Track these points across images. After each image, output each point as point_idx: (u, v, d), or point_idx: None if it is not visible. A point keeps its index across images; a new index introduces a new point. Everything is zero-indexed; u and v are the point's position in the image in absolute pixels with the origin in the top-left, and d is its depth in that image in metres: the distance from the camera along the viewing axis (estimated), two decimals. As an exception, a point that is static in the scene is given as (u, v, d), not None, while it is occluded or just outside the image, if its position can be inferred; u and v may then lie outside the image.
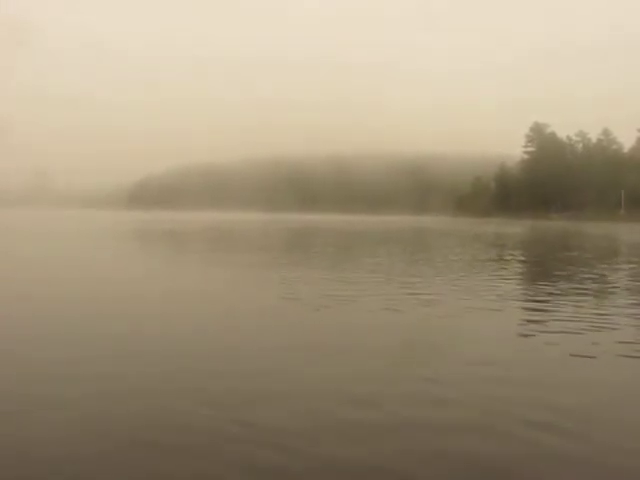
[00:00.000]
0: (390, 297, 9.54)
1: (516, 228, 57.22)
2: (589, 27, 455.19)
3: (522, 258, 20.20)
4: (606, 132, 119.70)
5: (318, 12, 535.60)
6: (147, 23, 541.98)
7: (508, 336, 6.91)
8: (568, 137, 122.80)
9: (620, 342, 6.46)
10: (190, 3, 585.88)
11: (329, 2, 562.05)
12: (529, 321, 7.90)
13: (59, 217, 73.74)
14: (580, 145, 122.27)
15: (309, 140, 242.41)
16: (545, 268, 17.01)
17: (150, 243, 27.24)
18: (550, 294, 10.58)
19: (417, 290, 10.51)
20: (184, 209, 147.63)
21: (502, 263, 17.36)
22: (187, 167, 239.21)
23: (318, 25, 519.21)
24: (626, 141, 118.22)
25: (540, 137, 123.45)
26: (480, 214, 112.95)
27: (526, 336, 6.90)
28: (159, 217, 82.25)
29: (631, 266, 16.80)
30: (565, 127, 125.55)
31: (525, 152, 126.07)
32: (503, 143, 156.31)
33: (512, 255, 20.98)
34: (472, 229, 52.94)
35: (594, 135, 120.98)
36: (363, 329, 7.20)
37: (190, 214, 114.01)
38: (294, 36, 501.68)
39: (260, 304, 8.88)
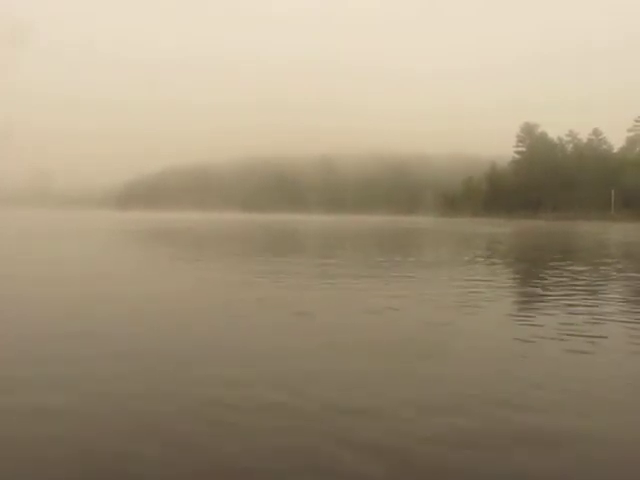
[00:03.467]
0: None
1: (505, 228, 57.15)
2: (581, 30, 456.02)
3: (496, 259, 19.98)
4: (596, 132, 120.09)
5: (304, 13, 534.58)
6: (144, 24, 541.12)
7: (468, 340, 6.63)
8: (559, 137, 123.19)
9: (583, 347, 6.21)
10: (183, 4, 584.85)
11: (318, 4, 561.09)
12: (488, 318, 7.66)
13: (47, 218, 73.21)
14: (570, 145, 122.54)
15: (298, 141, 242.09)
16: (520, 268, 16.84)
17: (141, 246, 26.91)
18: (521, 294, 10.34)
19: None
20: (175, 210, 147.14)
21: (482, 263, 17.12)
22: (178, 168, 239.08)
23: (303, 26, 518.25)
24: (616, 142, 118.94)
25: (531, 137, 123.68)
26: (471, 214, 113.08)
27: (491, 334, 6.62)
28: (151, 218, 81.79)
29: (605, 267, 16.58)
30: (556, 128, 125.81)
31: (516, 152, 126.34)
32: (494, 143, 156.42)
33: (494, 255, 20.75)
34: (462, 229, 52.82)
35: (584, 135, 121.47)
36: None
37: (181, 214, 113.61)
38: (281, 38, 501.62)
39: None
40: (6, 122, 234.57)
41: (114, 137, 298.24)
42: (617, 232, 48.63)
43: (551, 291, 10.81)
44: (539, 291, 11.02)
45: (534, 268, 16.66)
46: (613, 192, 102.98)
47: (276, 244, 28.67)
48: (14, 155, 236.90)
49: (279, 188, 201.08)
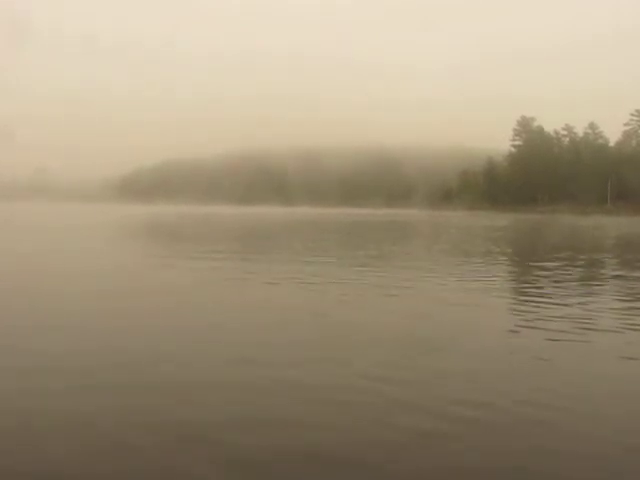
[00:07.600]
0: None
1: (501, 221, 57.13)
2: (579, 25, 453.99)
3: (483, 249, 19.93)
4: (592, 126, 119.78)
5: (298, 9, 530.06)
6: (144, 20, 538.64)
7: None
8: (555, 131, 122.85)
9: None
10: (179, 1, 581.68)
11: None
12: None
13: (50, 211, 73.04)
14: (567, 139, 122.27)
15: (292, 135, 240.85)
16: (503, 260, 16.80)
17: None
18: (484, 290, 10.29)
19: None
20: (171, 203, 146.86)
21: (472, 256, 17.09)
22: (174, 161, 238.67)
23: (295, 20, 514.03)
24: (612, 136, 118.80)
25: (527, 131, 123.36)
26: (467, 207, 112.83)
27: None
28: (149, 211, 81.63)
29: (578, 264, 16.51)
30: (553, 122, 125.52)
31: (512, 146, 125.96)
32: (492, 137, 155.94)
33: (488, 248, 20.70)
34: (452, 223, 52.83)
35: (581, 129, 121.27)
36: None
37: (173, 208, 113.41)
38: (270, 33, 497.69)
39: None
40: (6, 116, 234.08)
41: (113, 131, 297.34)
42: (614, 226, 48.61)
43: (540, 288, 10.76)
44: (534, 286, 10.94)
45: (521, 263, 16.64)
46: (609, 184, 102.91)
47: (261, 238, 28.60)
48: (14, 149, 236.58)
49: (269, 182, 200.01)
